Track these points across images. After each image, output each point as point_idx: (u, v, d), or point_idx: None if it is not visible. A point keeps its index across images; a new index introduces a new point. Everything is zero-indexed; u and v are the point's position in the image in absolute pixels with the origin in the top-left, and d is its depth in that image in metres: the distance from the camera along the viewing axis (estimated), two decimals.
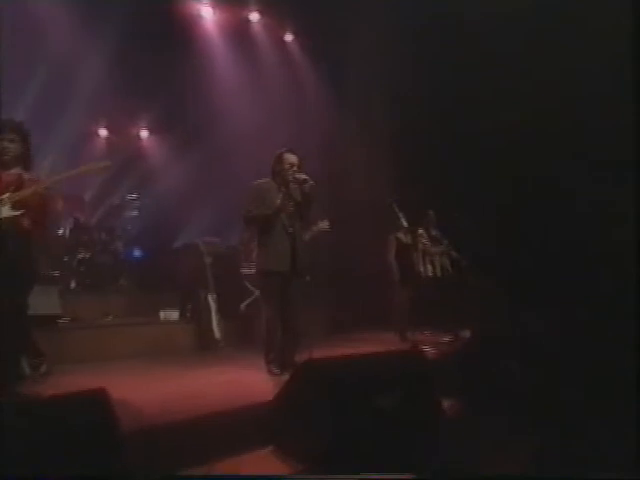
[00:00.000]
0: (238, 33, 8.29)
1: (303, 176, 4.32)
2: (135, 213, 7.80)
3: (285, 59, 8.77)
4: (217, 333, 5.90)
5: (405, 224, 6.52)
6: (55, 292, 5.01)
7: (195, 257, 6.14)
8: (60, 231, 6.75)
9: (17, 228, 3.41)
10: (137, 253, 7.68)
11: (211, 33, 8.29)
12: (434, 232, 6.74)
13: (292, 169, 4.36)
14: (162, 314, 6.00)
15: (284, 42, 8.87)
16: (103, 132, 9.21)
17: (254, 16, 8.34)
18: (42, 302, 4.80)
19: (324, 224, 5.78)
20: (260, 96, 8.09)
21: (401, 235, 6.54)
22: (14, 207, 3.41)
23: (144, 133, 9.76)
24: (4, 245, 3.35)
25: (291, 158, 4.40)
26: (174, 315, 6.01)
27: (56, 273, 6.43)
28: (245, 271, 6.63)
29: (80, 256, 6.60)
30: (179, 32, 7.49)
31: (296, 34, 8.79)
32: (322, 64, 8.36)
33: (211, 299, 5.99)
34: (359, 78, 8.11)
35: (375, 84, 8.06)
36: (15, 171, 3.54)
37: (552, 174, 6.22)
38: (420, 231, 6.62)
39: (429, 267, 6.81)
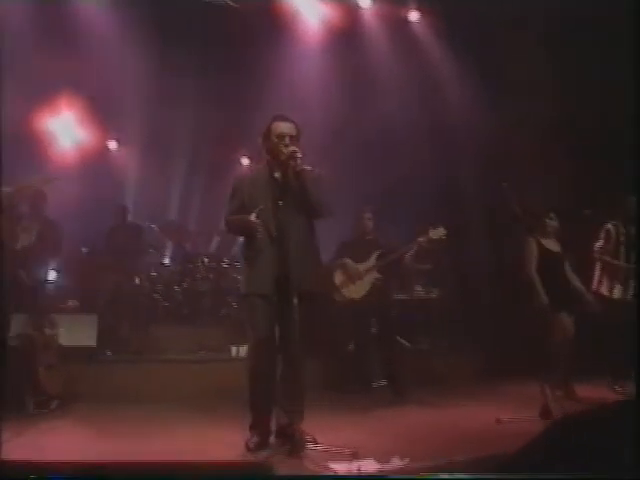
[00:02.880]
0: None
1: (291, 148, 3.00)
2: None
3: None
4: None
5: (555, 224, 4.42)
6: (94, 323, 4.62)
7: None
8: (166, 260, 6.57)
9: None
10: None
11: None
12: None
13: (282, 142, 3.07)
14: (234, 349, 5.14)
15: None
16: (245, 160, 9.02)
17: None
18: (79, 333, 4.49)
19: (438, 232, 4.29)
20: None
21: (547, 240, 4.41)
22: None
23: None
24: None
25: (281, 127, 3.18)
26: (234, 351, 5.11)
27: (166, 303, 6.25)
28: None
29: (184, 285, 6.28)
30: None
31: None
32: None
33: None
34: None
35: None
36: None
37: None
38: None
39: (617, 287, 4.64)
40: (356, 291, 4.84)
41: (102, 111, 7.24)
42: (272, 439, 3.07)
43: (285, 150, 3.06)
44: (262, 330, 3.05)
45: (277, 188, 3.12)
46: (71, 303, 5.55)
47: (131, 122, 7.33)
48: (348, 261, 4.88)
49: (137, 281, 6.01)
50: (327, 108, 6.68)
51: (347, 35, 6.61)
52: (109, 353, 4.87)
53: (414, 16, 6.69)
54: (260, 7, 6.50)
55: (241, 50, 6.81)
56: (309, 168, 3.18)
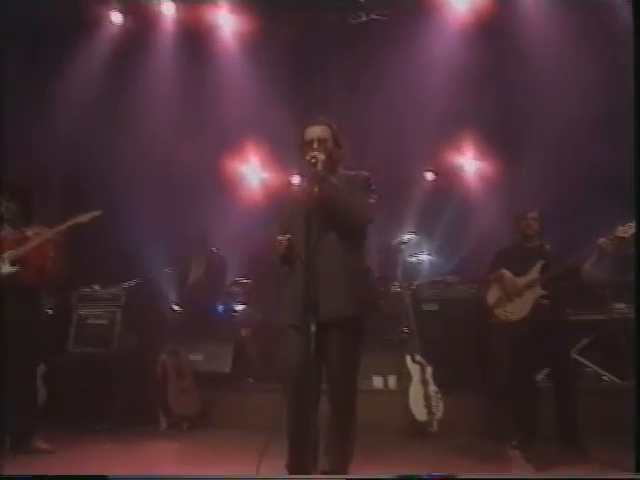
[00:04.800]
0: None
1: (310, 154, 2.60)
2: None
3: None
4: (418, 413, 4.08)
5: None
6: (230, 351, 4.75)
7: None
8: None
9: (16, 283, 3.57)
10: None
11: None
12: None
13: (309, 149, 2.67)
14: (375, 379, 4.68)
15: None
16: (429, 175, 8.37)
17: None
18: (215, 358, 4.70)
19: (628, 228, 3.34)
20: None
21: None
22: (12, 263, 3.57)
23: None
24: (5, 299, 3.56)
25: (308, 133, 2.72)
26: (378, 381, 4.58)
27: None
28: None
29: None
30: None
31: None
32: None
33: (410, 361, 4.25)
34: None
35: None
36: (17, 229, 3.73)
37: None
38: None
39: None
40: (514, 311, 3.79)
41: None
42: None
43: (308, 157, 2.63)
44: (294, 366, 2.61)
45: (310, 203, 2.62)
46: (244, 332, 5.83)
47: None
48: (506, 273, 3.88)
49: None
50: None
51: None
52: (251, 380, 4.93)
53: None
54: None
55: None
56: (352, 173, 2.72)
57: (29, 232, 3.76)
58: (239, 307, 5.74)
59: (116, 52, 6.07)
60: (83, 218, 3.61)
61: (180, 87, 6.07)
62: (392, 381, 4.61)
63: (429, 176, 8.92)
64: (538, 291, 3.75)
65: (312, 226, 2.56)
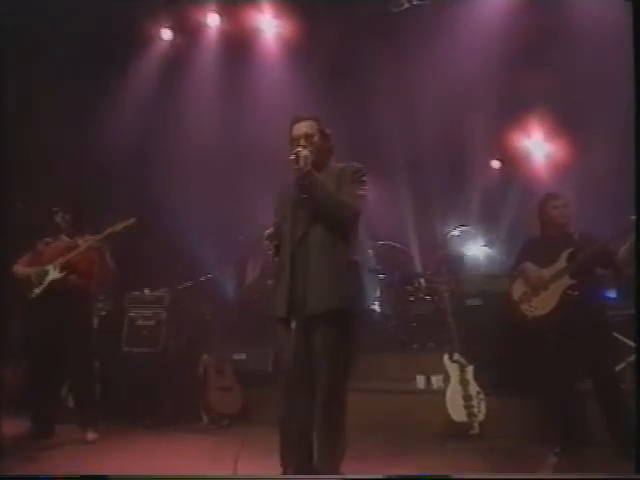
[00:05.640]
0: None
1: (296, 150, 2.61)
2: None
3: None
4: (456, 414, 3.87)
5: None
6: (273, 351, 4.79)
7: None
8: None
9: (66, 287, 3.89)
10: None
11: None
12: None
13: (296, 145, 2.69)
14: (418, 379, 4.51)
15: None
16: (495, 163, 7.95)
17: None
18: (258, 357, 4.79)
19: None
20: None
21: None
22: (61, 269, 3.88)
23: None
24: (55, 302, 3.91)
25: (294, 129, 2.78)
26: (420, 381, 4.40)
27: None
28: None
29: (398, 308, 5.89)
30: None
31: None
32: None
33: (448, 360, 4.05)
34: None
35: None
36: (72, 238, 4.06)
37: None
38: None
39: None
40: (539, 306, 3.49)
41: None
42: None
43: (294, 154, 2.61)
44: (284, 360, 2.60)
45: (298, 197, 2.65)
46: None
47: None
48: (528, 265, 3.59)
49: None
50: None
51: None
52: None
53: None
54: None
55: None
56: (343, 165, 2.75)
57: (80, 240, 4.09)
58: None
59: (167, 66, 6.38)
60: (117, 227, 3.86)
61: (227, 94, 6.24)
62: (435, 381, 4.41)
63: (494, 164, 8.54)
64: (566, 281, 3.42)
65: (298, 220, 2.58)
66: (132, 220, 3.84)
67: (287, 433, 2.54)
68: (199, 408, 4.45)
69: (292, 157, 2.56)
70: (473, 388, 3.95)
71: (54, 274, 3.97)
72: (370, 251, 6.48)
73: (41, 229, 4.30)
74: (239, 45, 6.41)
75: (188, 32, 6.43)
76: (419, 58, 6.53)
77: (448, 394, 3.94)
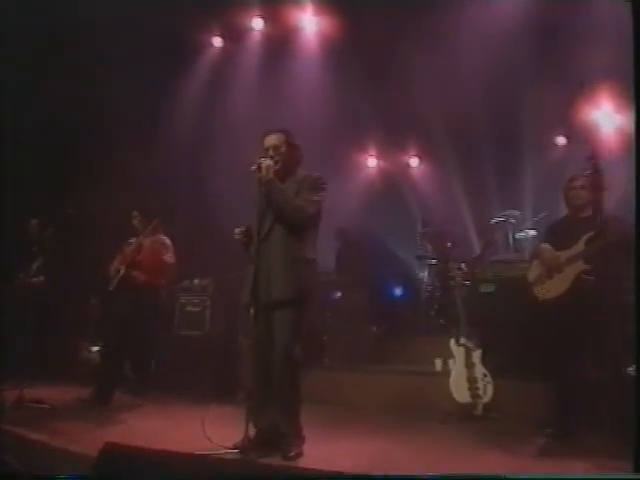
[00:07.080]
0: None
1: (259, 161, 3.02)
2: None
3: None
4: (459, 396, 4.05)
5: None
6: None
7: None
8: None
9: (135, 282, 4.52)
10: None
11: None
12: None
13: (264, 156, 3.13)
14: (437, 362, 4.69)
15: None
16: (372, 161, 9.02)
17: None
18: None
19: None
20: None
21: None
22: (129, 267, 4.52)
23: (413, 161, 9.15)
24: (124, 295, 4.56)
25: (264, 142, 3.19)
26: (438, 364, 4.58)
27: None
28: None
29: (437, 294, 6.05)
30: None
31: None
32: None
33: (454, 344, 4.21)
34: None
35: None
36: (136, 240, 4.67)
37: None
38: None
39: None
40: (551, 288, 3.53)
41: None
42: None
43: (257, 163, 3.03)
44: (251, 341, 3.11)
45: (263, 201, 3.06)
46: None
47: None
48: (545, 247, 3.64)
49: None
50: None
51: None
52: (326, 360, 5.32)
53: None
54: None
55: None
56: (305, 173, 3.16)
57: (145, 241, 4.69)
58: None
59: (218, 71, 6.92)
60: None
61: (272, 95, 6.63)
62: (452, 364, 4.55)
63: (560, 140, 8.21)
64: (580, 266, 3.43)
65: (265, 221, 2.98)
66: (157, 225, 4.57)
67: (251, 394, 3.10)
68: (235, 384, 4.96)
69: (254, 167, 2.93)
70: (479, 370, 4.08)
71: (122, 272, 4.59)
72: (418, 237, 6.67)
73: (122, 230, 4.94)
74: (282, 45, 6.78)
75: (235, 38, 6.92)
76: (463, 41, 6.47)
77: (452, 376, 4.11)
